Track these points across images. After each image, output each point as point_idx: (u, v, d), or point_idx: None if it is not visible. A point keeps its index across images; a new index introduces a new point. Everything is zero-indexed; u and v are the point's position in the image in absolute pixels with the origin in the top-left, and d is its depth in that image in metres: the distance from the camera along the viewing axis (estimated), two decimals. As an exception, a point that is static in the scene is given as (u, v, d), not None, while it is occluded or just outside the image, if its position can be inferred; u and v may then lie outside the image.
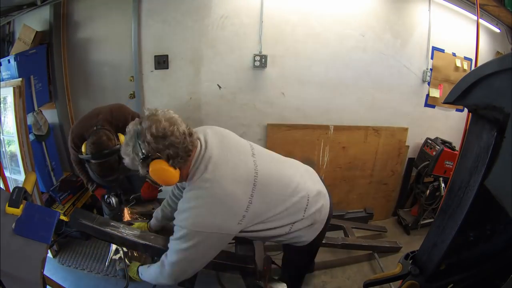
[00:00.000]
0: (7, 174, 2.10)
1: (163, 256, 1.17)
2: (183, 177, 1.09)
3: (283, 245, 1.46)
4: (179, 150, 1.02)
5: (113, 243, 1.44)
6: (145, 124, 1.01)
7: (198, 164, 1.08)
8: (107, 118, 1.67)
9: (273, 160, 1.29)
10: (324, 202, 1.36)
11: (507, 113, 0.66)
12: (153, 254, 1.41)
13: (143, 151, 1.00)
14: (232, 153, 1.14)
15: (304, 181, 1.29)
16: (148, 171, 1.02)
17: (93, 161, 1.51)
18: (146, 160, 1.01)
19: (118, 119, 1.68)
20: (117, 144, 1.54)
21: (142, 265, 1.35)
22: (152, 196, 1.74)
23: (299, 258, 1.49)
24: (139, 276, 1.32)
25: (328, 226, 1.46)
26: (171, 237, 1.11)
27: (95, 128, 1.57)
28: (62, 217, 2.17)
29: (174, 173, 1.03)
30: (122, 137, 1.51)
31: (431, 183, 2.71)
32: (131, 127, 1.05)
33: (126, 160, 1.06)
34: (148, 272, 1.26)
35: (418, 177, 2.83)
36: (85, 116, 1.78)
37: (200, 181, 1.05)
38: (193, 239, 1.04)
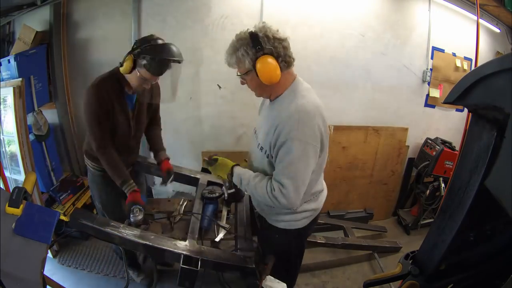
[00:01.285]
0: (7, 174, 2.10)
1: (271, 180, 1.20)
2: (280, 85, 1.21)
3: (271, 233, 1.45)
4: (287, 54, 1.18)
5: (113, 243, 1.44)
6: (261, 27, 1.17)
7: (298, 85, 1.24)
8: None
9: None
10: (323, 197, 1.47)
11: (507, 113, 0.66)
12: (153, 254, 1.41)
13: (259, 46, 1.13)
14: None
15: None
16: (254, 67, 1.14)
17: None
18: (259, 53, 1.13)
19: None
20: None
21: (236, 165, 1.36)
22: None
23: (286, 243, 1.47)
24: (233, 180, 1.33)
25: (314, 226, 1.51)
26: (278, 160, 1.18)
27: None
28: (62, 217, 2.18)
29: (279, 72, 1.15)
30: None
31: (431, 183, 2.71)
32: (243, 32, 1.20)
33: (229, 59, 1.22)
34: (251, 188, 1.25)
35: (418, 177, 2.83)
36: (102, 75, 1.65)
37: (304, 98, 1.19)
38: (299, 148, 1.12)
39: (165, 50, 1.47)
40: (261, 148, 1.29)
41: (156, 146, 1.83)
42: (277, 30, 1.19)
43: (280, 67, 1.16)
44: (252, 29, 1.19)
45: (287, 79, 1.24)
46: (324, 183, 1.49)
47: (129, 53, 1.45)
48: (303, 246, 1.56)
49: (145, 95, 1.64)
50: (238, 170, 1.34)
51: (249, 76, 1.21)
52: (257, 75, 1.15)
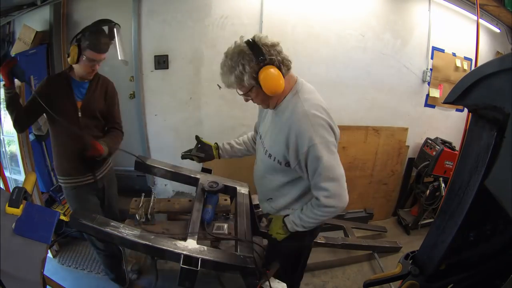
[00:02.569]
0: (7, 174, 2.11)
1: (310, 201, 1.23)
2: (284, 91, 1.19)
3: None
4: (284, 59, 1.16)
5: (113, 243, 1.44)
6: (256, 38, 1.14)
7: (300, 87, 1.22)
8: None
9: None
10: None
11: (507, 113, 0.66)
12: (154, 254, 1.41)
13: (259, 58, 1.09)
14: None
15: None
16: (257, 81, 1.11)
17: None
18: (259, 65, 1.10)
19: None
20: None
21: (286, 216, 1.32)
22: (97, 153, 1.62)
23: (291, 249, 1.47)
24: (289, 229, 1.29)
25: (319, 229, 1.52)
26: (311, 171, 1.17)
27: None
28: (62, 217, 2.17)
29: (283, 80, 1.13)
30: None
31: (431, 183, 2.71)
32: (234, 46, 1.16)
33: (228, 80, 1.17)
34: (304, 219, 1.23)
35: (418, 177, 2.83)
36: None
37: (307, 101, 1.18)
38: (324, 149, 1.12)
39: (99, 22, 1.55)
40: (270, 155, 1.28)
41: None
42: (266, 36, 1.16)
43: (282, 73, 1.14)
44: (242, 43, 1.15)
45: (289, 83, 1.22)
46: None
47: (71, 43, 1.53)
48: (309, 249, 1.58)
49: (97, 87, 1.72)
50: (287, 219, 1.32)
51: (253, 92, 1.18)
52: (262, 89, 1.12)
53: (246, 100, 1.27)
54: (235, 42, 1.18)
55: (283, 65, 1.15)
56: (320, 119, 1.14)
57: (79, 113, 1.65)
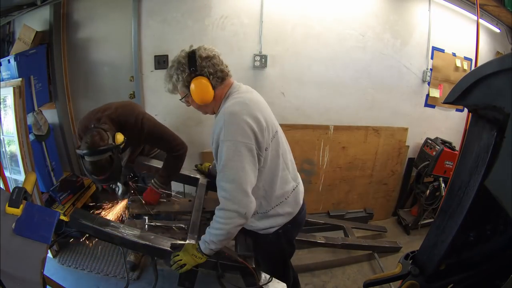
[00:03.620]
0: (7, 174, 2.10)
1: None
2: (216, 99, 1.25)
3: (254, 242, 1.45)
4: (218, 70, 1.22)
5: (113, 243, 1.44)
6: (194, 49, 1.23)
7: (233, 90, 1.27)
8: (111, 115, 1.62)
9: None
10: (299, 206, 1.43)
11: (507, 113, 0.66)
12: (154, 254, 1.41)
13: (190, 69, 1.19)
14: (262, 102, 1.32)
15: (297, 176, 1.46)
16: (189, 90, 1.21)
17: (85, 158, 1.43)
18: (190, 76, 1.19)
19: (121, 117, 1.65)
20: (111, 144, 1.45)
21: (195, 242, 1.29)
22: (153, 201, 1.70)
23: (271, 248, 1.45)
24: (203, 251, 1.21)
25: (297, 230, 1.52)
26: (217, 167, 1.20)
27: (92, 125, 1.54)
28: (62, 217, 2.17)
29: (211, 91, 1.21)
30: (119, 136, 1.49)
31: (431, 183, 2.71)
32: (178, 55, 1.24)
33: (168, 86, 1.27)
34: (211, 232, 1.18)
35: (418, 177, 2.83)
36: (94, 109, 1.72)
37: (233, 99, 1.22)
38: (230, 148, 1.11)
39: None
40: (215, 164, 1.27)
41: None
42: (208, 49, 1.23)
43: (213, 85, 1.21)
44: (183, 53, 1.24)
45: (223, 91, 1.27)
46: (298, 179, 1.45)
47: None
48: (289, 249, 1.52)
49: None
50: (200, 241, 1.25)
51: (189, 98, 1.26)
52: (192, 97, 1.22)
53: (188, 105, 1.35)
54: (182, 51, 1.25)
55: (214, 76, 1.21)
56: (235, 119, 1.13)
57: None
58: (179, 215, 1.81)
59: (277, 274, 1.44)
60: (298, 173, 1.47)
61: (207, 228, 1.22)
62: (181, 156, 1.76)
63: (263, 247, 1.43)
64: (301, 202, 1.44)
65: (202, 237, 1.23)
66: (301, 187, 1.46)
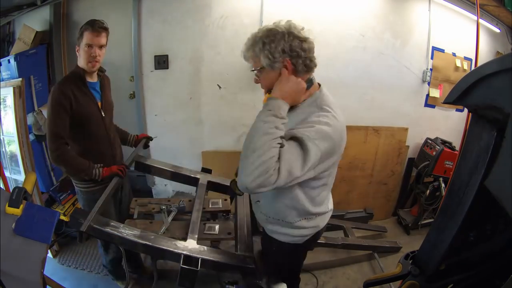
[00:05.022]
0: (7, 174, 2.11)
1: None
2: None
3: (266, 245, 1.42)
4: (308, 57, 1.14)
5: (113, 243, 1.44)
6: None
7: (321, 92, 1.22)
8: None
9: None
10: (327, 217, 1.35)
11: (507, 113, 0.66)
12: (154, 254, 1.41)
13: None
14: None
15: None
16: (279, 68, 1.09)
17: None
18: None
19: None
20: None
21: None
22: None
23: (283, 257, 1.39)
24: None
25: (314, 243, 1.44)
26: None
27: None
28: (62, 217, 2.18)
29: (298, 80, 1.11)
30: None
31: (431, 183, 2.71)
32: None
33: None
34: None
35: (418, 177, 2.83)
36: None
37: (326, 106, 1.15)
38: (312, 142, 1.00)
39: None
40: None
41: (123, 134, 1.93)
42: (303, 28, 1.13)
43: (299, 71, 1.11)
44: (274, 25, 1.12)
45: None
46: (331, 205, 1.36)
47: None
48: (299, 261, 1.48)
49: (105, 82, 1.75)
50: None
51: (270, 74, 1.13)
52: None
53: (256, 82, 1.20)
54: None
55: (303, 62, 1.14)
56: (332, 130, 1.08)
57: (102, 114, 1.65)
58: (179, 215, 1.81)
59: (287, 278, 1.42)
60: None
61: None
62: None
63: (277, 257, 1.38)
64: (323, 225, 1.34)
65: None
66: (331, 213, 1.36)
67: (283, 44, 1.06)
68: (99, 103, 1.65)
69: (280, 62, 1.09)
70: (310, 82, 1.19)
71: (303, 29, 1.11)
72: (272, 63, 1.08)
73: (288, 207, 1.20)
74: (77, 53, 1.57)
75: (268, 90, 1.17)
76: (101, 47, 1.57)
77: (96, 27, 1.52)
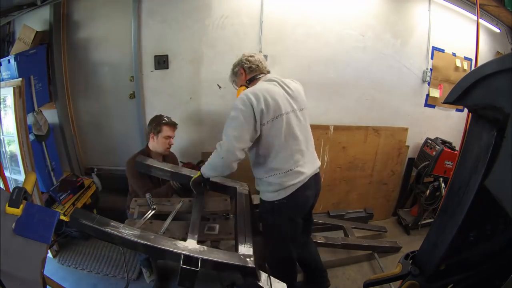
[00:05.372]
0: (7, 174, 2.11)
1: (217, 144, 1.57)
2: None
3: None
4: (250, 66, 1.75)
5: (113, 243, 1.44)
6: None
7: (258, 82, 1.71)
8: None
9: (302, 129, 1.64)
10: (294, 187, 1.60)
11: (507, 113, 0.66)
12: (154, 254, 1.41)
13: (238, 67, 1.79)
14: (276, 91, 1.60)
15: (305, 162, 1.64)
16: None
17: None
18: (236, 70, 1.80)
19: None
20: None
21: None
22: None
23: (273, 218, 1.66)
24: (202, 175, 1.67)
25: (295, 210, 1.67)
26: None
27: None
28: (62, 217, 2.17)
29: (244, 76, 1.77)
30: None
31: (431, 183, 2.71)
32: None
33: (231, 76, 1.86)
34: (209, 162, 1.63)
35: (418, 177, 2.83)
36: None
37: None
38: (236, 110, 1.50)
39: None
40: None
41: None
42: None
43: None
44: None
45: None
46: (302, 168, 1.61)
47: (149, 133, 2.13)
48: (286, 227, 1.67)
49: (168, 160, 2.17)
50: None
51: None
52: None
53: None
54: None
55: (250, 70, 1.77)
56: (241, 94, 1.54)
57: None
58: (179, 215, 1.81)
59: (276, 253, 1.75)
60: (308, 164, 1.65)
61: (209, 159, 1.66)
62: None
63: (262, 216, 1.71)
64: (299, 185, 1.60)
65: (203, 167, 1.69)
66: (305, 176, 1.61)
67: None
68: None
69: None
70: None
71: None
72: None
73: (256, 164, 1.63)
74: (151, 138, 2.10)
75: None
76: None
77: (172, 123, 2.10)
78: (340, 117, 2.70)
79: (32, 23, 2.31)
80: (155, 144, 2.09)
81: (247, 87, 1.69)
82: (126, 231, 1.33)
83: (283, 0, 2.39)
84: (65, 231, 2.19)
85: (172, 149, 2.21)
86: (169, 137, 2.09)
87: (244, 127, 1.49)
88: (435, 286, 0.93)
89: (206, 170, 1.65)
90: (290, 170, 1.58)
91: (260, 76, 1.73)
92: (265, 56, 2.42)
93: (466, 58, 2.87)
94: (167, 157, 2.19)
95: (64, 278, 2.08)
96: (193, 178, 1.73)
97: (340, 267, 2.39)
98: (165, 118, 2.11)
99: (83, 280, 2.12)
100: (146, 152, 2.11)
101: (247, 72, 1.76)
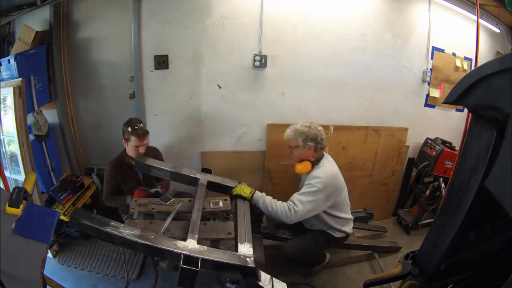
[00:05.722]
0: (7, 174, 2.10)
1: (291, 204, 1.78)
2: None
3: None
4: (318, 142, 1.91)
5: (113, 243, 1.44)
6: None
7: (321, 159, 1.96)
8: None
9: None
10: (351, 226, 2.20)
11: (507, 113, 0.66)
12: (154, 254, 1.41)
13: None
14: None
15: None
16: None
17: None
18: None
19: None
20: None
21: (255, 190, 1.84)
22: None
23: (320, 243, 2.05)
24: (254, 199, 1.80)
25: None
26: (300, 192, 1.84)
27: None
28: (62, 217, 2.18)
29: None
30: None
31: (431, 183, 2.71)
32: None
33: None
34: (273, 205, 1.77)
35: (418, 177, 2.83)
36: None
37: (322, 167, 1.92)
38: (320, 188, 1.79)
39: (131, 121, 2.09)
40: None
41: None
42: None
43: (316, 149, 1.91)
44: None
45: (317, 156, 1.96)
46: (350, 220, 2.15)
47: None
48: (325, 250, 2.20)
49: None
50: (257, 193, 1.85)
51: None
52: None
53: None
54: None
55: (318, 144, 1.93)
56: (332, 179, 1.87)
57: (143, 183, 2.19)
58: (179, 215, 1.81)
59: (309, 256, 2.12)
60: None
61: (271, 198, 1.83)
62: None
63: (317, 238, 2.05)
64: (350, 232, 2.15)
65: (261, 195, 1.83)
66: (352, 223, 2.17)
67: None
68: (141, 177, 2.19)
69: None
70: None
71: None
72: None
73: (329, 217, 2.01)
74: (124, 144, 2.10)
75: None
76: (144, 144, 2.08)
77: (141, 133, 2.02)
78: (340, 117, 2.70)
79: (32, 23, 2.31)
80: (128, 148, 2.09)
81: (313, 163, 1.90)
82: (126, 231, 1.33)
83: (283, 0, 2.39)
84: (65, 231, 2.19)
85: (172, 149, 2.22)
86: (137, 147, 2.03)
87: (320, 208, 1.83)
88: (435, 286, 0.93)
89: (264, 207, 1.79)
90: (351, 218, 2.15)
91: (323, 154, 1.96)
92: (265, 56, 2.43)
93: (466, 58, 2.87)
94: (148, 154, 2.13)
95: (64, 278, 2.08)
96: (242, 193, 1.82)
97: (340, 267, 2.39)
98: (135, 126, 2.02)
99: (83, 280, 2.12)
100: (122, 156, 2.14)
101: (317, 151, 1.88)
